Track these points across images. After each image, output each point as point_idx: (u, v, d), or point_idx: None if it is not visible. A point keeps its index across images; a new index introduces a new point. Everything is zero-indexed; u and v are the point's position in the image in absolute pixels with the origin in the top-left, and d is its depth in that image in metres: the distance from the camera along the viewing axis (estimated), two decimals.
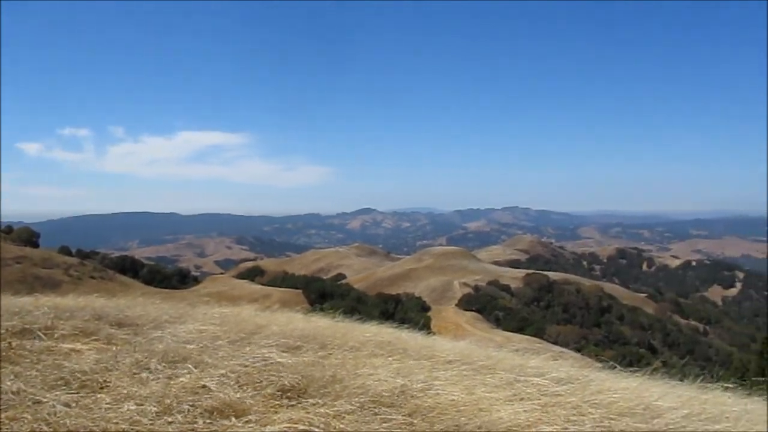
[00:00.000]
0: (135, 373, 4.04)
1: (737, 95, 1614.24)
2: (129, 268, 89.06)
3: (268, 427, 3.17)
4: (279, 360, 4.40)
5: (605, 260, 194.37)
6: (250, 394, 3.64)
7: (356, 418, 3.30)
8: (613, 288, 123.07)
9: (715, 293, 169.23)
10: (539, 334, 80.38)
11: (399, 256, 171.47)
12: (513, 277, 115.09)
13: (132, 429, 3.07)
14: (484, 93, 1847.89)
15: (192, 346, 4.84)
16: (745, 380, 6.24)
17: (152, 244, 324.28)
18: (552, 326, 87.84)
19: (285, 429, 3.12)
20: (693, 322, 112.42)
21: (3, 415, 3.15)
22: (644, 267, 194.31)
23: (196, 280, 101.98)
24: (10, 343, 4.66)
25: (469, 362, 5.11)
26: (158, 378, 3.91)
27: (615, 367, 5.72)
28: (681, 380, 5.48)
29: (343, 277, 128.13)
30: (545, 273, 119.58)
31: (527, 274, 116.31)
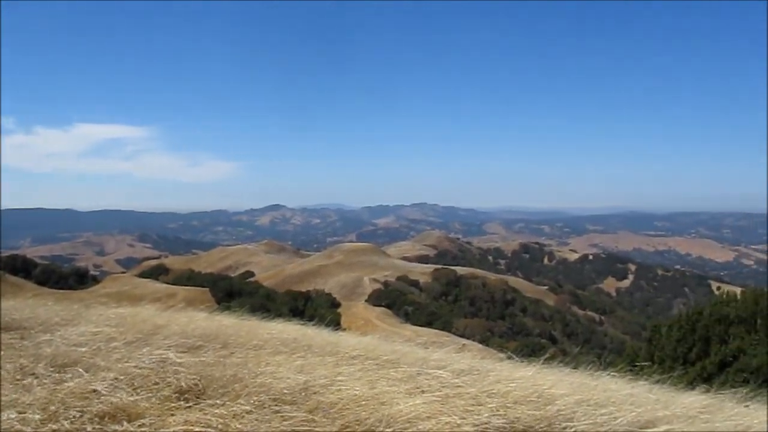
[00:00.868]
0: (18, 380, 3.79)
1: (629, 96, 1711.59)
2: (20, 268, 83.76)
3: (163, 430, 3.06)
4: (177, 361, 4.26)
5: (509, 255, 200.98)
6: (144, 396, 3.50)
7: (256, 417, 3.24)
8: (516, 281, 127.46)
9: (610, 285, 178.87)
10: (447, 327, 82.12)
11: (309, 253, 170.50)
12: (422, 273, 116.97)
13: None
14: (391, 89, 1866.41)
15: (84, 349, 4.61)
16: (635, 366, 6.62)
17: (46, 242, 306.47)
18: (459, 320, 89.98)
19: (181, 431, 3.03)
20: (590, 313, 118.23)
21: None
22: (545, 261, 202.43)
23: (95, 280, 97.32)
24: None
25: (373, 357, 5.15)
26: (44, 384, 3.69)
27: (512, 358, 5.91)
28: (575, 368, 5.74)
29: (252, 274, 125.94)
30: (453, 268, 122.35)
31: (435, 270, 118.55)
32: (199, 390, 3.68)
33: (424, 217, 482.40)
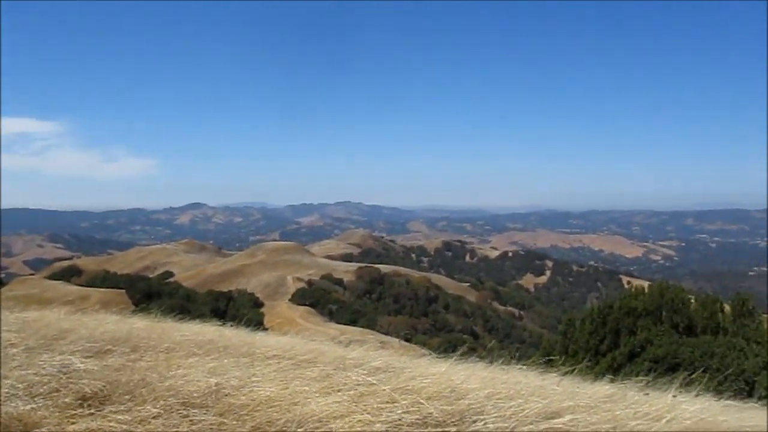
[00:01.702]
0: None
1: (545, 97, 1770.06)
2: None
3: None
4: (81, 366, 4.07)
5: (432, 252, 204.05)
6: (43, 405, 3.32)
7: (163, 422, 3.14)
8: (439, 279, 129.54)
9: (529, 281, 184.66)
10: (371, 325, 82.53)
11: (231, 252, 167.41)
12: (346, 271, 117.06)
13: None
14: (311, 86, 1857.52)
15: None
16: (550, 359, 6.83)
17: None
18: (383, 317, 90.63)
19: None
20: (510, 308, 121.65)
21: None
22: (467, 258, 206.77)
23: (1, 283, 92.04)
24: None
25: (290, 357, 5.10)
26: None
27: (430, 354, 5.99)
28: (490, 362, 5.88)
29: (171, 274, 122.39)
30: (377, 266, 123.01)
31: (359, 268, 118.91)
32: (104, 396, 3.53)
33: (348, 215, 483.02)
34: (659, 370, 16.05)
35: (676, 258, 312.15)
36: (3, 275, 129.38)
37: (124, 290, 77.58)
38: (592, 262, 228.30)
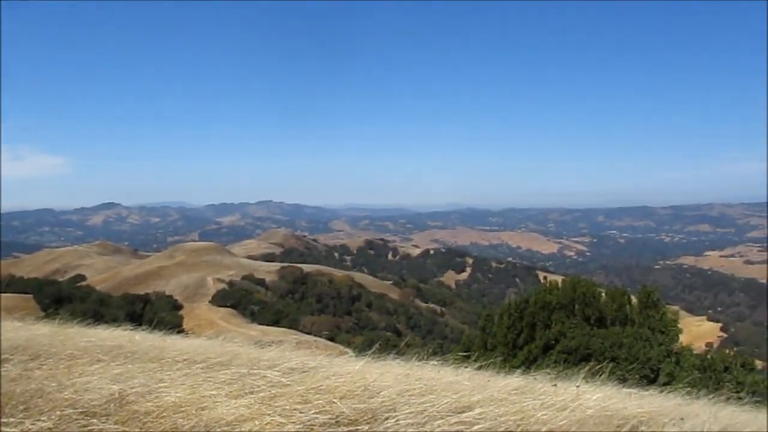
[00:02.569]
0: None
1: (465, 99, 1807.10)
2: None
3: None
4: None
5: (355, 251, 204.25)
6: None
7: None
8: (362, 277, 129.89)
9: (450, 278, 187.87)
10: (294, 325, 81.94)
11: (148, 254, 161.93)
12: (268, 271, 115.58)
13: None
14: (228, 84, 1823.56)
15: None
16: (468, 354, 6.94)
17: None
18: (306, 317, 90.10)
19: None
20: (432, 305, 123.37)
21: None
22: (390, 256, 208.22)
23: None
24: None
25: (202, 360, 4.96)
26: None
27: (349, 353, 5.98)
28: (407, 360, 5.92)
29: (83, 278, 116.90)
30: (299, 266, 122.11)
31: (282, 268, 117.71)
32: None
33: (270, 214, 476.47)
34: (572, 361, 16.68)
35: (588, 253, 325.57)
36: None
37: (31, 295, 73.63)
38: (510, 259, 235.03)
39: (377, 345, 5.55)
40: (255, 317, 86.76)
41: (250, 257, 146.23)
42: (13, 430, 2.95)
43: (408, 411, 3.40)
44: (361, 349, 6.38)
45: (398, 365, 5.43)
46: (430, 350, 5.92)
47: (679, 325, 22.54)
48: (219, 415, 3.20)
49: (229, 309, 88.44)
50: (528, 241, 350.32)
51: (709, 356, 20.63)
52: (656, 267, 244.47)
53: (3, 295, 74.09)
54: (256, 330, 72.15)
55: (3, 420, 3.08)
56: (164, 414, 3.24)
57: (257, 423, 3.17)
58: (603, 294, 22.20)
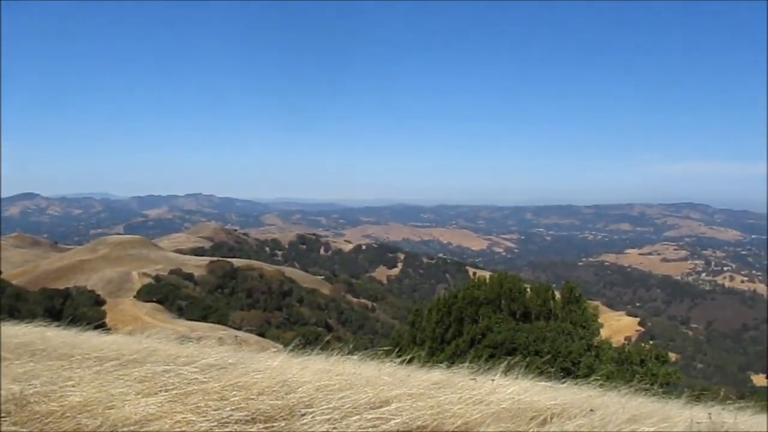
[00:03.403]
0: None
1: (395, 97, 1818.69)
2: None
3: None
4: None
5: (287, 246, 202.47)
6: None
7: None
8: (293, 272, 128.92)
9: (381, 273, 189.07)
10: (223, 320, 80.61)
11: (69, 247, 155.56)
12: (196, 266, 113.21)
13: None
14: (155, 73, 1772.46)
15: None
16: (389, 348, 6.96)
17: None
18: (236, 312, 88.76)
19: None
20: (363, 300, 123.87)
21: None
22: (322, 251, 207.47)
23: None
24: None
25: (116, 357, 4.76)
26: None
27: (276, 348, 5.89)
28: (331, 355, 5.88)
29: None
30: (229, 260, 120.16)
31: (211, 262, 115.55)
32: None
33: (199, 207, 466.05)
34: (498, 355, 17.07)
35: (516, 250, 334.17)
36: None
37: None
38: (441, 255, 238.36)
39: (296, 340, 5.49)
40: (183, 313, 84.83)
41: (178, 251, 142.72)
42: (13, 429, 2.77)
43: (326, 407, 3.38)
44: (292, 345, 6.30)
45: (320, 360, 5.40)
46: (352, 345, 5.90)
47: (599, 320, 23.45)
48: (126, 414, 3.08)
49: (155, 304, 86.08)
50: (459, 238, 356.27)
51: (626, 349, 21.51)
52: (580, 264, 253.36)
53: None
54: (184, 326, 70.58)
55: None
56: (68, 414, 3.09)
57: (167, 421, 3.07)
58: (528, 289, 22.80)
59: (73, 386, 3.56)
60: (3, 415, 3.09)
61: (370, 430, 3.16)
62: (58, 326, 7.70)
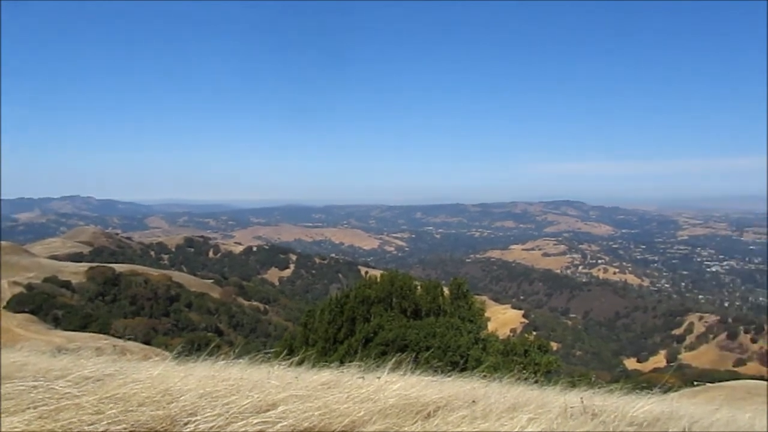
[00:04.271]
0: None
1: (274, 92, 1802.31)
2: None
3: None
4: None
5: (174, 249, 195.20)
6: None
7: None
8: (181, 276, 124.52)
9: (273, 275, 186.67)
10: (105, 329, 76.66)
11: None
12: (74, 272, 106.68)
13: None
14: (38, 72, 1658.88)
15: None
16: (278, 351, 6.87)
17: None
18: (119, 320, 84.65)
19: None
20: (255, 303, 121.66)
21: None
22: (211, 254, 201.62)
23: None
24: None
25: None
26: None
27: (149, 357, 5.66)
28: (218, 360, 5.72)
29: None
30: (111, 265, 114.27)
31: (90, 268, 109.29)
32: None
33: (76, 210, 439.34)
34: (390, 353, 17.30)
35: (407, 248, 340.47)
36: None
37: None
38: (333, 255, 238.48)
39: (182, 347, 5.31)
40: (59, 323, 79.71)
41: (53, 257, 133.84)
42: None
43: (210, 414, 3.29)
44: (176, 352, 6.09)
45: (206, 367, 5.25)
46: (239, 349, 5.78)
47: (486, 314, 24.38)
48: None
49: (27, 315, 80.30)
50: (350, 237, 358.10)
51: (511, 341, 22.51)
52: (467, 260, 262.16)
53: None
54: (60, 337, 66.33)
55: None
56: None
57: None
58: (418, 287, 23.31)
59: None
60: None
61: None
62: None
